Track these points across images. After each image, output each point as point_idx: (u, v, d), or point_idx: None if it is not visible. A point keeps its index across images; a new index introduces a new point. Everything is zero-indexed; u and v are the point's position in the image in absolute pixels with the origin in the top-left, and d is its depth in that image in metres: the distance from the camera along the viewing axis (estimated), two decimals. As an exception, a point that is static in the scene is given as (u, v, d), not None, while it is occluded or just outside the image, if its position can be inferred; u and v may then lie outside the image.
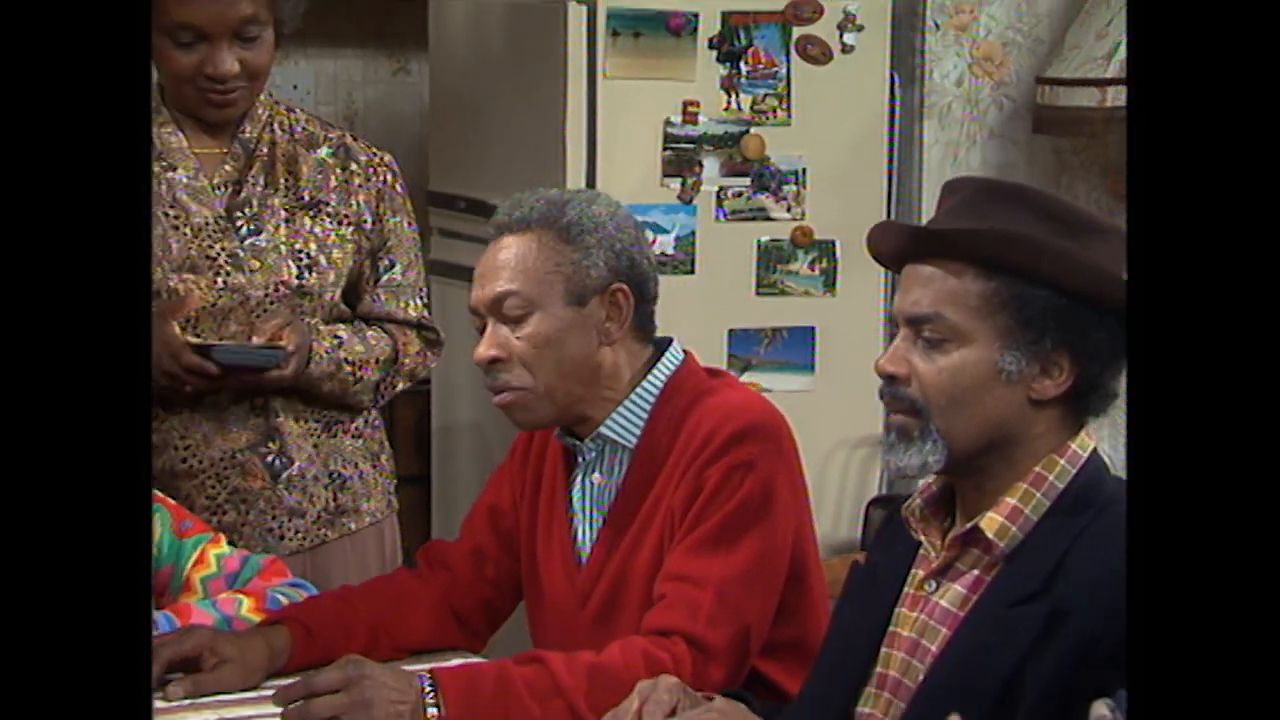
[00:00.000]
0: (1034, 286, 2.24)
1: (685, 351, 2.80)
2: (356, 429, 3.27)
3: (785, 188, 4.08)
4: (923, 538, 2.35)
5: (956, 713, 2.19)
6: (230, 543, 2.99)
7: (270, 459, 3.17)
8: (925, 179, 4.19)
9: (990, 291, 2.24)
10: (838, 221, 4.09)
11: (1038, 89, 4.10)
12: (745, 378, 3.94)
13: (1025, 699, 2.18)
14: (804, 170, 4.09)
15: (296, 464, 3.18)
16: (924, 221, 2.75)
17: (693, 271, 4.01)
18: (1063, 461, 2.29)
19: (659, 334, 2.85)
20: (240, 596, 2.81)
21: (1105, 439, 4.29)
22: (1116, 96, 3.92)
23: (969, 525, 2.28)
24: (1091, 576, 2.20)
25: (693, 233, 4.02)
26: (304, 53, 4.86)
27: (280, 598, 2.83)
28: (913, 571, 2.36)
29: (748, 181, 4.06)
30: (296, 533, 3.20)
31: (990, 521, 2.26)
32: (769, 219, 4.06)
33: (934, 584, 2.32)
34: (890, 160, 4.17)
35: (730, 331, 4.00)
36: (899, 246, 2.34)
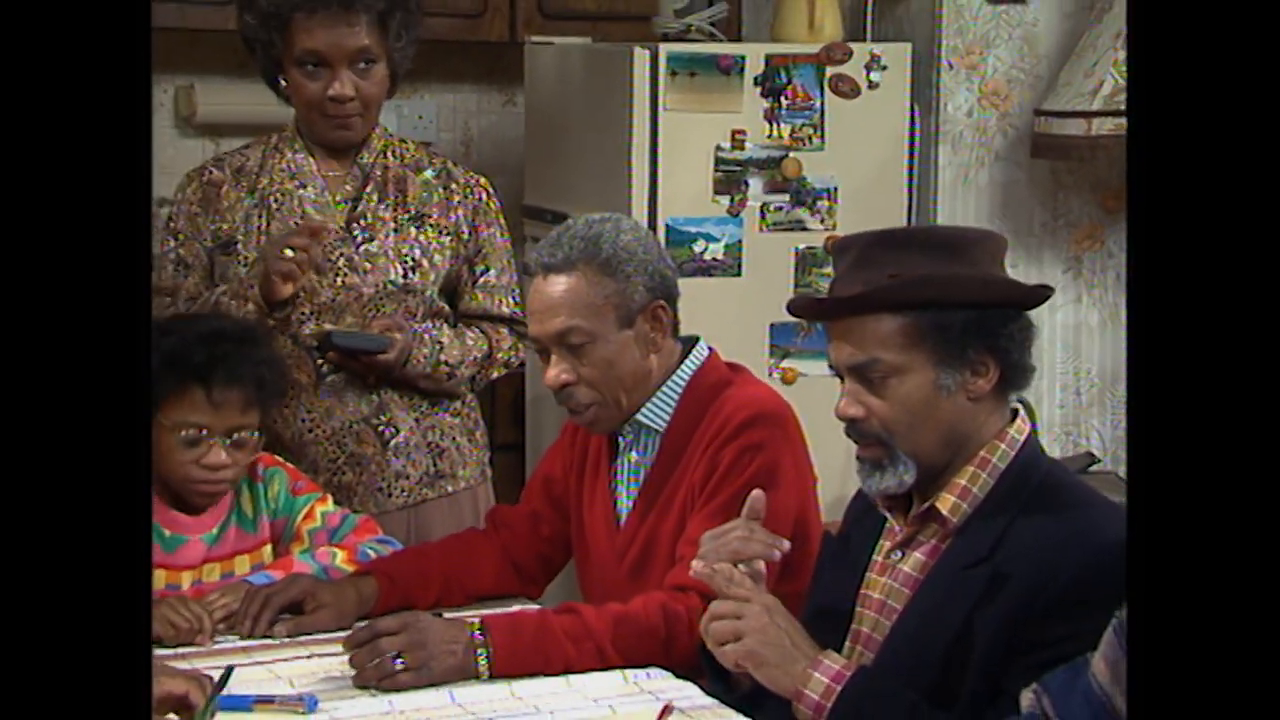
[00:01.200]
0: (942, 311, 2.26)
1: (710, 349, 2.80)
2: (455, 409, 3.30)
3: (819, 203, 4.08)
4: (890, 515, 2.38)
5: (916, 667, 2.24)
6: (338, 502, 3.02)
7: (381, 429, 3.20)
8: (940, 195, 4.17)
9: (910, 327, 2.26)
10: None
11: (1035, 119, 4.07)
12: (785, 363, 3.96)
13: (974, 648, 2.21)
14: (835, 188, 4.08)
15: (402, 434, 3.21)
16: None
17: (740, 274, 4.01)
18: (1003, 446, 2.31)
19: (694, 332, 2.85)
20: (336, 550, 2.86)
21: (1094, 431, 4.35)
22: (1100, 126, 3.89)
23: (926, 505, 2.31)
24: (1028, 545, 2.22)
25: (740, 241, 4.02)
26: (429, 88, 4.89)
27: (370, 551, 2.87)
28: (881, 543, 2.39)
29: (787, 198, 4.06)
30: (401, 492, 3.23)
31: (944, 500, 2.29)
32: (805, 229, 4.05)
33: (899, 554, 2.36)
34: (910, 180, 4.16)
35: (772, 325, 3.97)
36: (823, 312, 2.37)
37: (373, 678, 2.43)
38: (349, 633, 2.52)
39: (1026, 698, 2.04)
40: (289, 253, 2.99)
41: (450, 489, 3.28)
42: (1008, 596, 2.19)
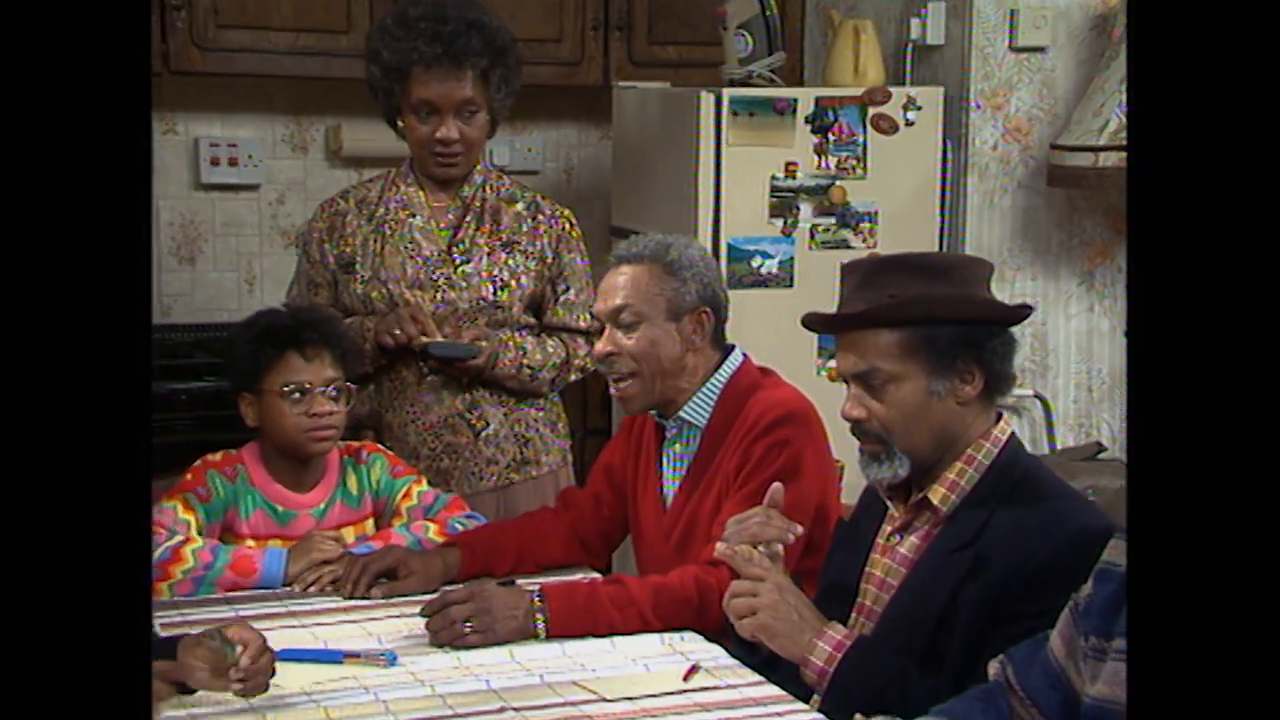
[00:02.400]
0: (934, 326, 2.26)
1: (745, 355, 2.80)
2: (539, 404, 3.31)
3: (861, 225, 4.05)
4: (890, 504, 2.37)
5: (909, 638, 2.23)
6: (435, 484, 3.05)
7: (473, 422, 3.22)
8: (968, 219, 4.13)
9: (905, 341, 2.26)
10: (901, 250, 4.04)
11: (1051, 152, 4.02)
12: (830, 364, 3.94)
13: (959, 621, 2.20)
14: (876, 212, 4.05)
15: (492, 426, 3.23)
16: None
17: (792, 286, 3.99)
18: (987, 445, 2.31)
19: (732, 340, 2.84)
20: (429, 524, 2.88)
21: (1104, 423, 4.30)
22: (1106, 159, 3.84)
23: (921, 495, 2.31)
24: (1006, 532, 2.22)
25: (792, 258, 4.01)
26: (536, 125, 4.90)
27: (458, 526, 2.89)
28: (883, 528, 2.39)
29: (833, 220, 4.03)
30: (491, 477, 3.25)
31: (935, 492, 2.29)
32: (849, 248, 4.01)
33: (898, 537, 2.36)
34: (941, 205, 4.12)
35: (820, 332, 3.94)
36: (830, 327, 2.37)
37: (445, 639, 2.46)
38: (424, 604, 2.53)
39: (993, 667, 2.03)
40: (398, 332, 3.11)
41: (534, 473, 3.29)
42: (988, 577, 2.18)
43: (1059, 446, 4.21)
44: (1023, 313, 2.37)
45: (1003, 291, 4.16)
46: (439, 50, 3.13)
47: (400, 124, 3.24)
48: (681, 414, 2.75)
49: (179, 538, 2.72)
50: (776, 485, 2.38)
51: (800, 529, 2.36)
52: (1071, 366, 4.33)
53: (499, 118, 3.29)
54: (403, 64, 3.16)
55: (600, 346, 2.75)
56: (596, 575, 2.82)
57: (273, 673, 2.17)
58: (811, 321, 2.39)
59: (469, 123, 3.19)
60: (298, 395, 2.80)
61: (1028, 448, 4.20)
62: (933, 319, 2.25)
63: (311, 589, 2.72)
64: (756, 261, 3.99)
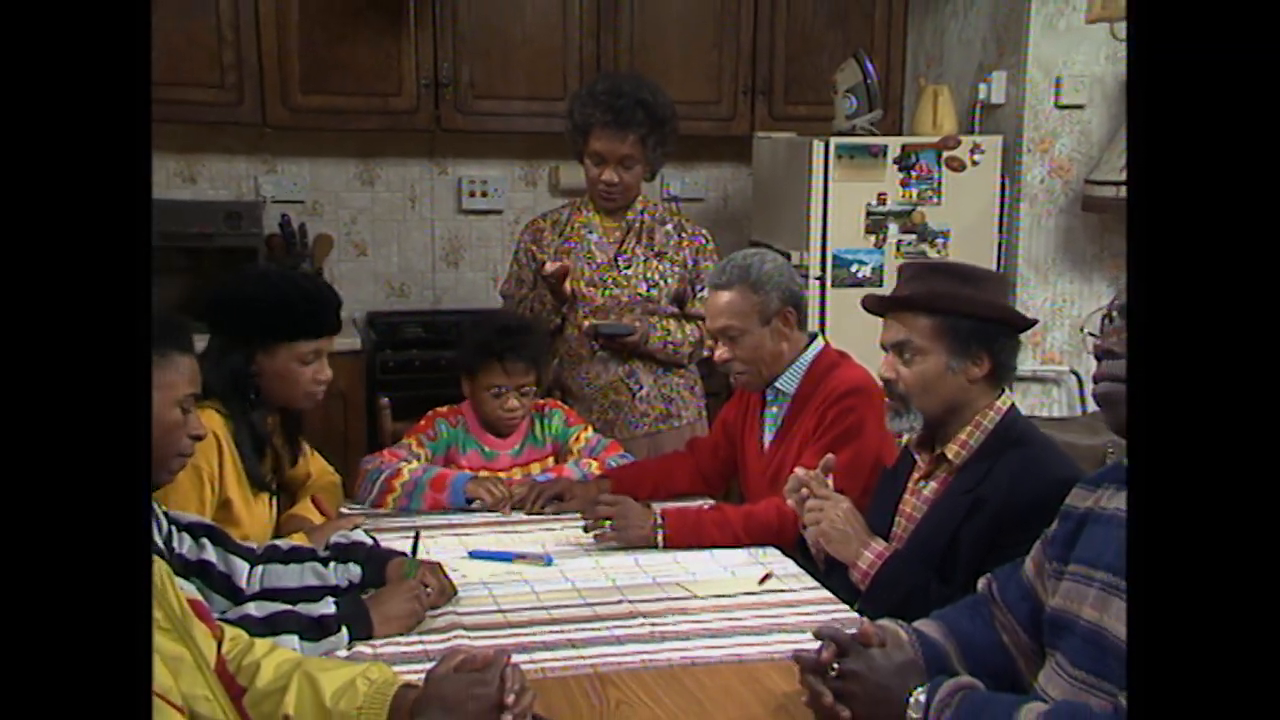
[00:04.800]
0: (958, 318, 2.20)
1: (825, 342, 2.76)
2: (680, 373, 3.30)
3: (936, 241, 3.93)
4: (918, 457, 2.33)
5: (928, 556, 2.18)
6: (600, 431, 3.07)
7: (631, 385, 3.23)
8: (1021, 237, 4.00)
9: (935, 325, 2.20)
10: (967, 261, 3.94)
11: (1085, 186, 3.86)
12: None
13: (963, 547, 2.16)
14: (948, 231, 3.93)
15: (645, 389, 3.24)
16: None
17: (882, 286, 3.87)
18: (991, 413, 2.25)
19: (815, 329, 2.81)
20: (591, 461, 2.90)
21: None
22: (1120, 191, 3.68)
23: (939, 451, 2.26)
24: (1000, 480, 2.17)
25: (882, 265, 3.91)
26: (701, 165, 4.86)
27: (613, 463, 2.91)
28: (913, 475, 2.35)
29: (914, 237, 3.93)
30: (644, 426, 3.26)
31: (950, 449, 2.25)
32: (927, 258, 3.91)
33: (923, 483, 2.32)
34: (999, 226, 3.98)
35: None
36: (881, 307, 2.31)
37: (592, 529, 2.50)
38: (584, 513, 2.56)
39: (981, 583, 1.98)
40: (549, 267, 3.13)
41: (676, 425, 3.28)
42: (985, 514, 2.13)
43: (1088, 409, 4.05)
44: (1029, 322, 2.30)
45: (1046, 292, 4.03)
46: (610, 118, 3.14)
47: (582, 165, 3.27)
48: (777, 385, 2.72)
49: (401, 464, 2.79)
50: (830, 456, 2.34)
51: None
52: (1100, 353, 4.15)
53: (655, 168, 3.28)
54: (585, 124, 3.18)
55: (719, 354, 2.72)
56: (710, 503, 2.81)
57: (453, 593, 2.16)
58: (869, 302, 2.34)
59: (628, 171, 3.19)
60: (496, 393, 2.86)
61: (1064, 412, 4.11)
62: (957, 312, 2.19)
63: (475, 504, 2.75)
64: (855, 268, 3.92)
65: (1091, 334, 1.73)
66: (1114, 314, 1.70)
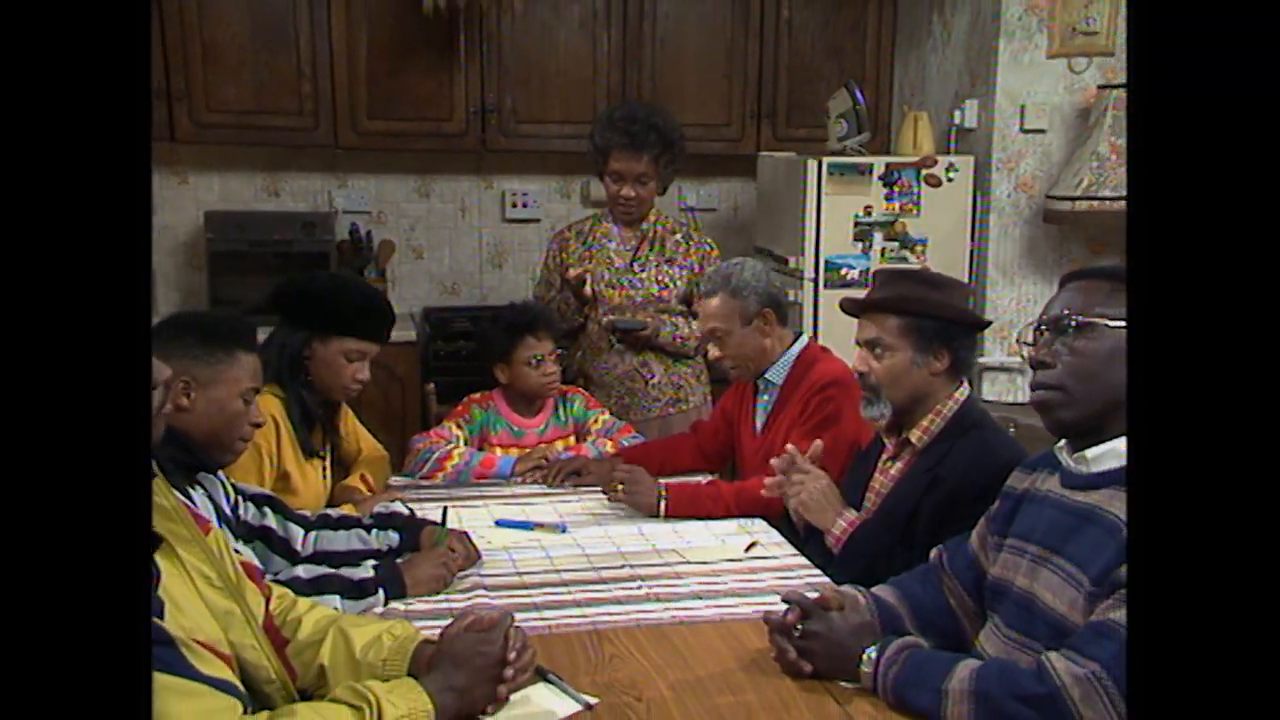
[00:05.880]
0: (922, 319, 2.18)
1: (809, 340, 2.74)
2: (688, 363, 3.28)
3: (916, 247, 3.88)
4: (886, 440, 2.31)
5: (893, 526, 2.17)
6: (613, 414, 3.06)
7: (644, 374, 3.22)
8: (989, 245, 3.95)
9: (902, 325, 2.18)
10: (943, 266, 3.87)
11: (1046, 200, 3.81)
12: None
13: (921, 519, 2.15)
14: (926, 239, 3.89)
15: (657, 377, 3.23)
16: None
17: (867, 287, 3.84)
18: (950, 402, 2.22)
19: (799, 328, 2.78)
20: (607, 440, 2.89)
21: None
22: (1079, 205, 3.62)
23: (904, 435, 2.24)
24: (955, 462, 2.15)
25: (868, 269, 3.86)
26: (714, 179, 4.82)
27: (625, 443, 2.90)
28: (882, 456, 2.33)
29: (897, 244, 3.88)
30: (656, 410, 3.24)
31: (913, 434, 2.23)
32: (907, 262, 3.87)
33: (891, 463, 2.30)
34: (971, 235, 3.93)
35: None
36: (856, 308, 2.29)
37: (607, 490, 2.51)
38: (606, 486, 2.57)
39: (933, 553, 1.96)
40: (571, 273, 3.13)
41: (684, 409, 3.27)
42: (941, 492, 2.12)
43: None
44: (984, 323, 2.28)
45: (1013, 292, 3.99)
46: (627, 141, 3.13)
47: (603, 182, 3.27)
48: (766, 376, 2.71)
49: (451, 446, 2.80)
50: (818, 443, 2.31)
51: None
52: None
53: (666, 183, 3.26)
54: (605, 147, 3.17)
55: (711, 354, 2.72)
56: (708, 478, 2.80)
57: (477, 558, 2.14)
58: (846, 305, 2.33)
59: (643, 187, 3.17)
60: (535, 363, 2.85)
61: (1027, 397, 4.05)
62: (922, 313, 2.17)
63: (525, 479, 2.76)
64: (844, 271, 3.88)
65: (1026, 344, 1.71)
66: (1044, 327, 1.67)
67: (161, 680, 1.22)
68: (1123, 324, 1.60)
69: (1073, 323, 1.62)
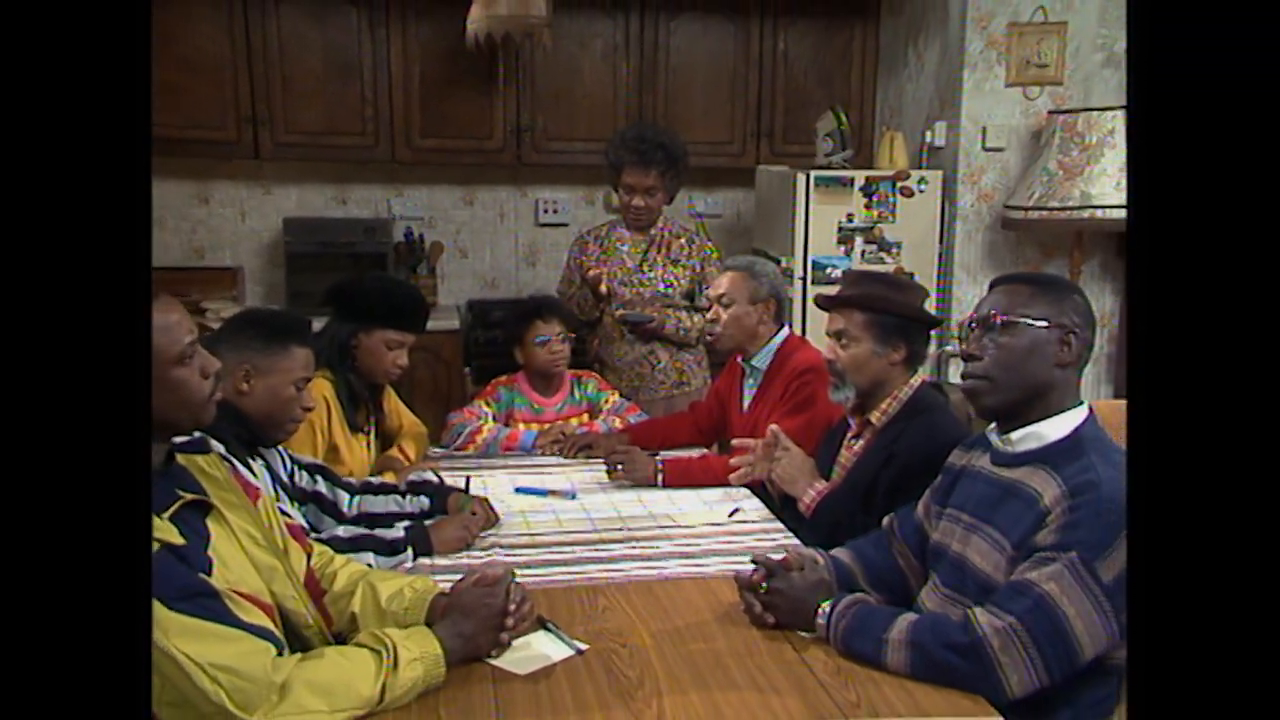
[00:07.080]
0: (884, 315, 2.15)
1: (791, 331, 2.71)
2: (690, 351, 3.24)
3: (891, 250, 3.83)
4: (851, 421, 2.30)
5: (856, 495, 2.15)
6: (622, 395, 3.03)
7: (652, 361, 3.18)
8: (955, 248, 3.90)
9: (865, 319, 2.16)
10: (915, 267, 3.83)
11: (1004, 210, 3.74)
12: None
13: (879, 490, 2.13)
14: (900, 242, 3.83)
15: (663, 363, 3.20)
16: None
17: None
18: (906, 389, 2.20)
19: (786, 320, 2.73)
20: (615, 418, 2.87)
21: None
22: (1032, 214, 3.55)
23: (866, 417, 2.22)
24: (909, 440, 2.13)
25: (850, 268, 3.79)
26: (719, 188, 4.77)
27: (631, 420, 2.88)
28: (848, 434, 2.32)
29: (875, 247, 3.83)
30: (661, 392, 3.21)
31: (875, 415, 2.21)
32: (884, 263, 3.82)
33: (855, 440, 2.28)
34: (940, 239, 3.87)
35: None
36: (827, 304, 2.27)
37: (608, 467, 2.50)
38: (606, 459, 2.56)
39: (886, 520, 1.95)
40: (590, 273, 3.10)
41: (686, 391, 3.24)
42: (895, 466, 2.10)
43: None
44: (937, 320, 2.26)
45: (975, 290, 3.92)
46: (637, 158, 3.11)
47: (617, 193, 3.25)
48: (753, 362, 2.69)
49: (480, 421, 2.81)
50: (774, 426, 2.29)
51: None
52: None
53: (673, 194, 3.23)
54: (619, 163, 3.15)
55: (711, 313, 2.69)
56: (701, 452, 2.80)
57: (497, 521, 2.13)
58: (820, 300, 2.32)
59: (651, 198, 3.15)
60: (543, 341, 2.85)
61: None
62: (883, 310, 2.15)
63: (545, 451, 2.76)
64: (829, 270, 3.82)
65: (960, 338, 1.69)
66: (973, 325, 1.66)
67: (206, 627, 1.24)
68: (1042, 323, 1.60)
69: (998, 321, 1.61)
